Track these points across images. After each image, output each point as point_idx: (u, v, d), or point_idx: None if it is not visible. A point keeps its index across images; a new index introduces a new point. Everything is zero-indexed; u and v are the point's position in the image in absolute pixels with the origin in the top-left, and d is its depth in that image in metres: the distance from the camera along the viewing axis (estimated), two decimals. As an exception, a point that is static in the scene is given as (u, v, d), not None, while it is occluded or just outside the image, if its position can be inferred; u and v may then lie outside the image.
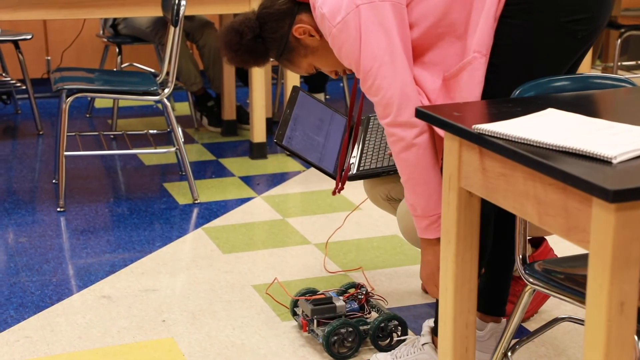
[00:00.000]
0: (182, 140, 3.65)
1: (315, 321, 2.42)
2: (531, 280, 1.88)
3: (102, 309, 2.69)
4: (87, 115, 4.91)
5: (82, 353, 2.43)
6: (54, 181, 3.81)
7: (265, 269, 2.97)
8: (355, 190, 3.66)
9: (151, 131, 4.22)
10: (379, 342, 2.40)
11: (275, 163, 4.12)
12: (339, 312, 2.43)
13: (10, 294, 2.80)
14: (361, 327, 2.39)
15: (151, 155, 4.18)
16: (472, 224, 1.84)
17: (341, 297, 2.49)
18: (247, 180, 3.89)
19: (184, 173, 3.82)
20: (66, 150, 3.48)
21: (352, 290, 2.55)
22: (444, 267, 1.88)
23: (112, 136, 4.47)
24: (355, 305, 2.49)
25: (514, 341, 2.03)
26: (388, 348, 2.39)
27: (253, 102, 4.08)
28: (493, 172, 1.70)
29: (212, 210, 3.51)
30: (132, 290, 2.82)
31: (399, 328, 2.42)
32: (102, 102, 5.09)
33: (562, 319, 2.16)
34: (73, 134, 4.10)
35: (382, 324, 2.39)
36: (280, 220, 3.41)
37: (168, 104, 3.59)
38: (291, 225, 3.35)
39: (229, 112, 4.52)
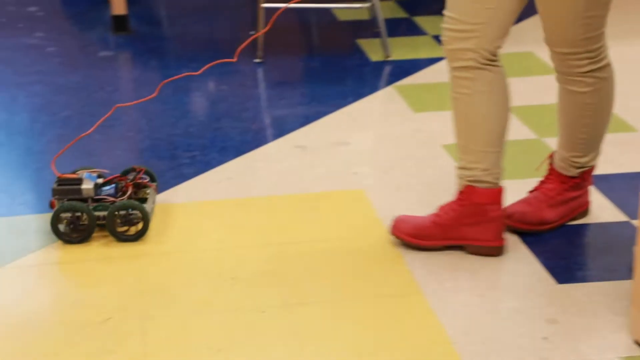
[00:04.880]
0: (378, -4, 3.64)
1: (58, 202, 2.35)
2: None
3: (297, 157, 2.82)
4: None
5: (279, 197, 2.57)
6: (251, 32, 3.93)
7: (455, 129, 2.98)
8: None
9: (346, -14, 4.22)
10: (116, 229, 2.31)
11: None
12: (84, 195, 2.33)
13: (213, 138, 2.98)
14: (98, 212, 2.31)
15: (345, 10, 4.20)
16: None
17: (97, 180, 2.37)
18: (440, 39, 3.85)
19: (377, 30, 3.82)
20: (264, 2, 3.56)
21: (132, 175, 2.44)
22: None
23: (306, -10, 4.51)
24: (112, 190, 2.38)
25: None
26: (125, 237, 2.31)
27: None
28: None
29: (404, 68, 3.53)
30: (324, 142, 2.92)
31: (141, 222, 2.31)
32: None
33: None
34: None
35: (119, 211, 2.30)
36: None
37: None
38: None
39: (424, -31, 4.43)
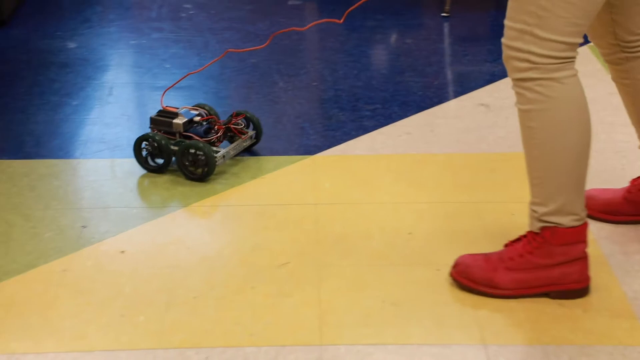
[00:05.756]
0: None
1: (154, 130, 2.50)
2: None
3: (480, 116, 2.75)
4: None
5: (459, 155, 2.52)
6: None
7: None
8: None
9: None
10: (183, 166, 2.38)
11: None
12: (173, 129, 2.45)
13: (395, 92, 2.96)
14: (174, 147, 2.40)
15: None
16: None
17: (195, 118, 2.47)
18: None
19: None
20: (456, -45, 3.48)
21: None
22: None
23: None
24: (201, 129, 2.48)
25: None
26: (191, 176, 2.38)
27: None
28: None
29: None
30: (510, 102, 2.83)
31: (206, 164, 2.35)
32: None
33: None
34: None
35: (187, 150, 2.35)
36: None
37: None
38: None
39: None
